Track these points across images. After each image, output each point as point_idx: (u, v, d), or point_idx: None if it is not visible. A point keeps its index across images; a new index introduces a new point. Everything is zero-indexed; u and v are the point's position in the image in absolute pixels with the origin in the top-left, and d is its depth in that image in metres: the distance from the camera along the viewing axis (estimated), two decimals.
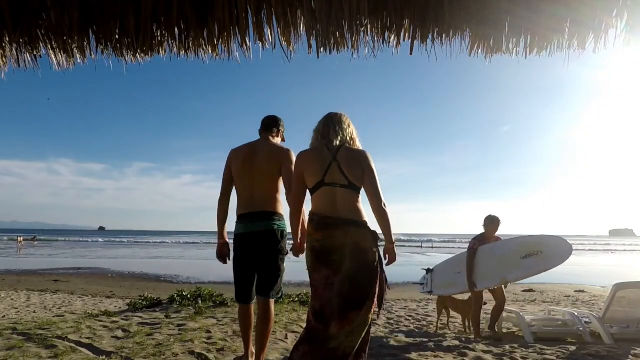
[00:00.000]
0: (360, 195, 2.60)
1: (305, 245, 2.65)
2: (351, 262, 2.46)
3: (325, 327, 2.42)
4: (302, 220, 2.78)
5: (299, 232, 2.76)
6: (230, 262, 3.12)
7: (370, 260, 2.50)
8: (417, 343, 4.56)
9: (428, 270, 6.29)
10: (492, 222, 5.36)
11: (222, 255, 3.10)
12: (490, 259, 5.25)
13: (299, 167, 2.65)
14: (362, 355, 2.54)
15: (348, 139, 2.66)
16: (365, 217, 2.57)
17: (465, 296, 5.65)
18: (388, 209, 2.59)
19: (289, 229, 2.94)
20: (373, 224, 2.66)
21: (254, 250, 2.94)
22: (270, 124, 3.19)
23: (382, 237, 2.64)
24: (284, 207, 3.01)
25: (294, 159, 2.86)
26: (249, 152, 3.03)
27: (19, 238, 49.20)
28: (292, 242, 2.87)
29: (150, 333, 4.42)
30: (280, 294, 3.02)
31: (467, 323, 5.51)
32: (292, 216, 2.74)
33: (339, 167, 2.53)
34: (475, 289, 5.14)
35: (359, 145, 2.72)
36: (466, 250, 5.46)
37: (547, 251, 5.18)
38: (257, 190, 2.95)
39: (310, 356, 2.43)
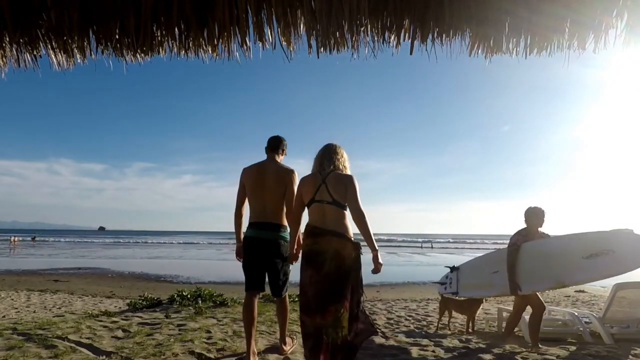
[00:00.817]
0: (346, 211, 3.08)
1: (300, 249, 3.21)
2: (330, 264, 2.97)
3: (313, 319, 2.97)
4: (299, 231, 3.31)
5: (296, 242, 3.33)
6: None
7: (347, 264, 2.98)
8: (417, 343, 4.56)
9: (452, 268, 5.63)
10: (535, 215, 4.62)
11: (239, 255, 3.62)
12: (539, 257, 4.53)
13: (299, 189, 3.24)
14: (357, 348, 3.03)
15: (340, 166, 3.20)
16: (348, 230, 3.06)
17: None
18: (367, 222, 3.01)
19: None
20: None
21: (262, 253, 3.46)
22: (277, 145, 3.66)
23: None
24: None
25: (296, 179, 3.47)
26: (259, 172, 3.52)
27: (12, 238, 48.85)
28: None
29: (150, 333, 4.42)
30: (287, 289, 3.62)
31: (470, 324, 5.46)
32: (291, 226, 3.36)
33: (326, 188, 3.08)
34: (519, 292, 4.48)
35: (348, 171, 3.23)
36: (485, 249, 5.24)
37: (621, 250, 4.29)
38: (267, 204, 3.46)
39: (316, 348, 2.94)
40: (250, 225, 3.49)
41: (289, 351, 3.81)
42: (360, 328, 3.01)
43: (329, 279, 2.96)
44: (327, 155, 3.21)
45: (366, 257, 3.09)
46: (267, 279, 3.55)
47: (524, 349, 4.35)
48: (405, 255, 34.10)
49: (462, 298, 5.61)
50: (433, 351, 4.19)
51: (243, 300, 3.52)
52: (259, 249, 3.44)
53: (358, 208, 3.02)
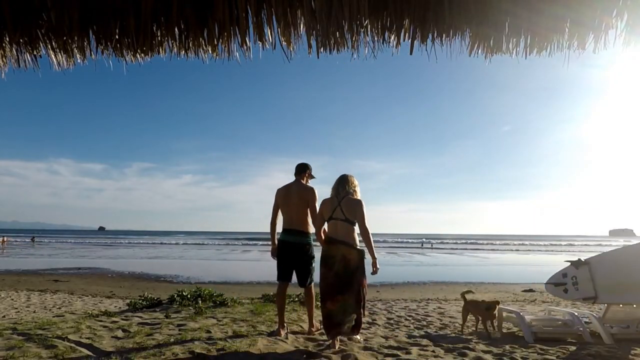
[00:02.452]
0: (354, 226, 4.03)
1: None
2: (339, 265, 3.93)
3: (325, 304, 3.96)
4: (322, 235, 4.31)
5: (323, 243, 4.26)
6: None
7: (352, 266, 3.95)
8: (417, 343, 4.56)
9: (577, 263, 4.37)
10: None
11: (274, 254, 4.52)
12: None
13: (321, 208, 4.22)
14: (356, 330, 4.10)
15: (351, 191, 4.14)
16: (355, 240, 4.03)
17: (480, 296, 5.38)
18: (370, 236, 4.01)
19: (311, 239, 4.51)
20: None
21: (290, 253, 4.42)
22: (301, 170, 4.60)
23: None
24: (310, 226, 4.49)
25: (316, 195, 4.43)
26: (286, 192, 4.48)
27: (2, 238, 47.98)
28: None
29: (150, 333, 4.42)
30: (311, 281, 4.48)
31: (486, 326, 4.98)
32: (317, 234, 4.35)
33: (341, 209, 4.06)
34: None
35: (358, 194, 4.18)
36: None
37: None
38: (293, 215, 4.41)
39: (328, 328, 3.98)
40: (282, 231, 4.46)
41: (317, 332, 4.53)
42: (361, 315, 4.00)
43: (338, 277, 3.92)
44: (342, 184, 4.17)
45: (368, 259, 4.03)
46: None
47: (524, 349, 4.35)
48: (405, 255, 34.10)
49: (480, 298, 5.14)
50: (433, 351, 4.19)
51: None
52: (288, 250, 4.41)
53: (365, 227, 4.02)
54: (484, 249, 45.24)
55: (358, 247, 3.99)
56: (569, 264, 4.52)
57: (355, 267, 3.92)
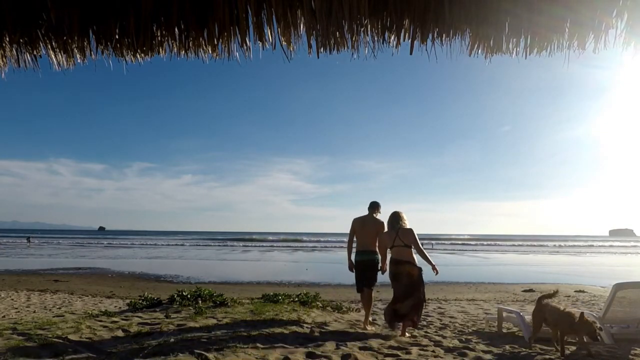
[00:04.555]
0: (411, 249, 5.28)
1: (388, 270, 5.45)
2: (406, 279, 5.17)
3: (395, 304, 5.20)
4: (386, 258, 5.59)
5: (385, 263, 5.60)
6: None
7: (415, 280, 5.16)
8: (417, 343, 4.57)
9: None
10: None
11: (351, 269, 5.79)
12: None
13: (383, 237, 5.55)
14: (409, 318, 5.14)
15: (402, 224, 5.45)
16: (414, 259, 5.25)
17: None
18: (425, 251, 5.29)
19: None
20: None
21: (364, 268, 5.67)
22: (374, 206, 5.90)
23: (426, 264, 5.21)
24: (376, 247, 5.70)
25: (385, 227, 5.62)
26: (362, 221, 5.80)
27: None
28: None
29: (150, 333, 4.42)
30: (374, 286, 5.68)
31: (563, 340, 4.19)
32: (382, 256, 5.64)
33: (399, 238, 5.32)
34: None
35: (408, 224, 5.49)
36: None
37: None
38: (366, 240, 5.70)
39: (395, 317, 5.23)
40: (357, 252, 5.75)
41: (370, 330, 5.43)
42: (419, 311, 5.21)
43: (406, 287, 5.16)
44: (395, 219, 5.48)
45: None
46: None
47: (524, 349, 4.35)
48: None
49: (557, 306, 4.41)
50: (433, 351, 4.20)
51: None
52: (362, 266, 5.68)
53: (419, 246, 5.30)
54: (484, 249, 45.24)
55: (417, 265, 5.19)
56: None
57: (417, 279, 5.16)
